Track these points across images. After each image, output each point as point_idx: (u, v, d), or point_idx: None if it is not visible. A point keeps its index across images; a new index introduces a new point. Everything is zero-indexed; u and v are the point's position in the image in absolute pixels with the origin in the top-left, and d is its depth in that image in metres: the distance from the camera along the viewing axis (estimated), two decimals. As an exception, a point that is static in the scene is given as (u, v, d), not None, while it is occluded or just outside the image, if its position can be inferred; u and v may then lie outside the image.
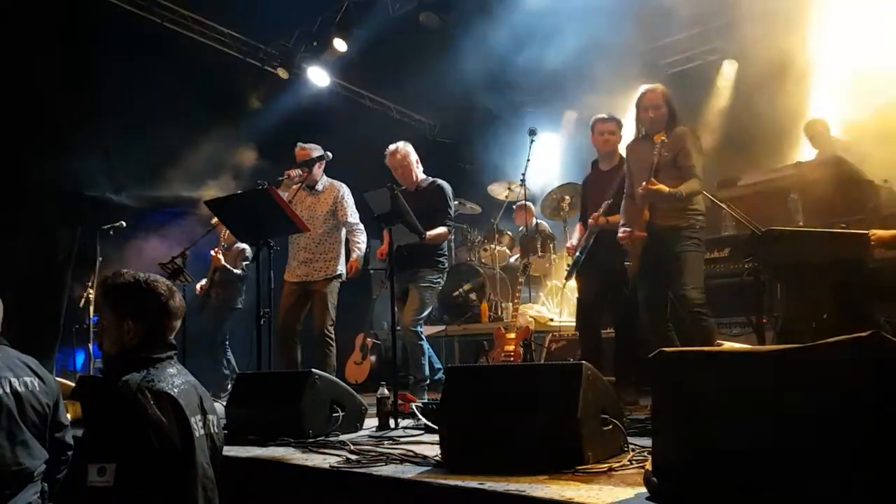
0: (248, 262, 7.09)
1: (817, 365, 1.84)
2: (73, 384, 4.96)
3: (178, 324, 2.54)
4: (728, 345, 2.56)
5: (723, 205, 3.94)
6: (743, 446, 1.96)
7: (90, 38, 6.93)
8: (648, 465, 2.27)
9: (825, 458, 1.82)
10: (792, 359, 1.90)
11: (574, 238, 5.39)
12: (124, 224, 6.79)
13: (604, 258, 4.90)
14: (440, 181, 5.60)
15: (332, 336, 5.48)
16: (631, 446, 2.90)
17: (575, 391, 2.66)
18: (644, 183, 4.11)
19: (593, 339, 5.16)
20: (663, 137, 4.16)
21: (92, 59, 6.94)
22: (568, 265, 5.40)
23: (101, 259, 6.58)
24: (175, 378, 2.35)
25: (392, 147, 5.56)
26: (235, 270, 7.00)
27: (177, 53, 7.93)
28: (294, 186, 5.55)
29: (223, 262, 6.90)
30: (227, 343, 7.06)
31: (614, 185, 4.89)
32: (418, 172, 5.58)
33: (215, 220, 7.23)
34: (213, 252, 6.97)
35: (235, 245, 7.12)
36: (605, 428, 2.78)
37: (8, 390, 2.92)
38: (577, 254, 5.07)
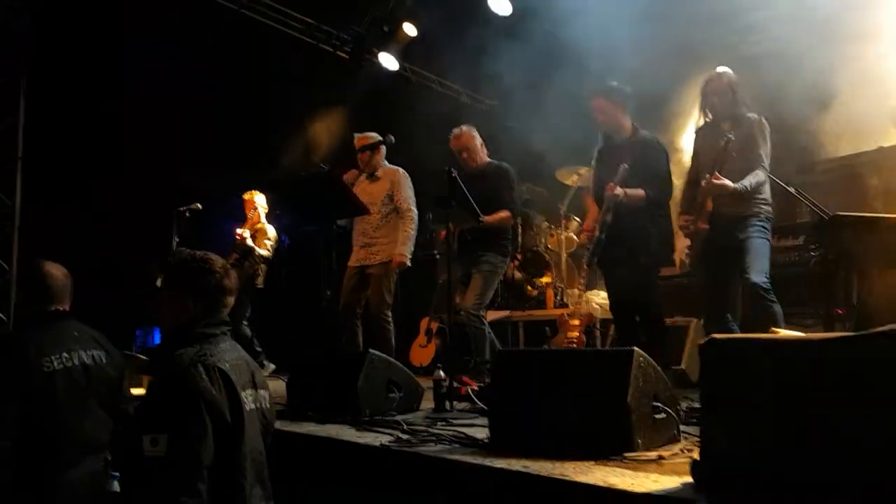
0: (271, 243, 7.22)
1: (873, 354, 1.76)
2: (146, 359, 5.19)
3: (232, 300, 2.61)
4: (783, 332, 2.46)
5: (791, 189, 3.80)
6: (794, 437, 1.89)
7: (166, 23, 7.13)
8: (696, 454, 2.22)
9: (883, 451, 1.74)
10: (847, 348, 1.82)
11: (588, 220, 5.10)
12: (200, 206, 6.98)
13: (625, 236, 4.58)
14: (504, 164, 5.57)
15: (389, 319, 5.53)
16: (685, 435, 2.83)
17: (625, 377, 2.61)
18: (708, 176, 3.99)
19: (629, 328, 4.95)
20: (730, 135, 4.01)
21: (166, 43, 7.13)
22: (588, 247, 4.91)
23: (177, 240, 6.79)
24: (227, 353, 2.42)
25: (456, 130, 5.57)
26: (261, 251, 7.13)
27: (252, 39, 8.10)
28: (360, 175, 5.62)
29: (248, 241, 7.05)
30: (247, 322, 7.21)
31: (627, 157, 4.59)
32: (483, 156, 5.56)
33: (247, 195, 7.41)
34: (238, 231, 7.15)
35: (260, 225, 7.25)
36: (657, 416, 2.72)
37: (77, 363, 3.06)
38: (598, 233, 4.70)
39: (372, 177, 5.67)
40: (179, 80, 7.29)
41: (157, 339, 8.06)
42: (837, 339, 1.97)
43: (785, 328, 3.49)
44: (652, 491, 2.08)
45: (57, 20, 6.86)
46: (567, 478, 2.26)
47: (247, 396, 2.40)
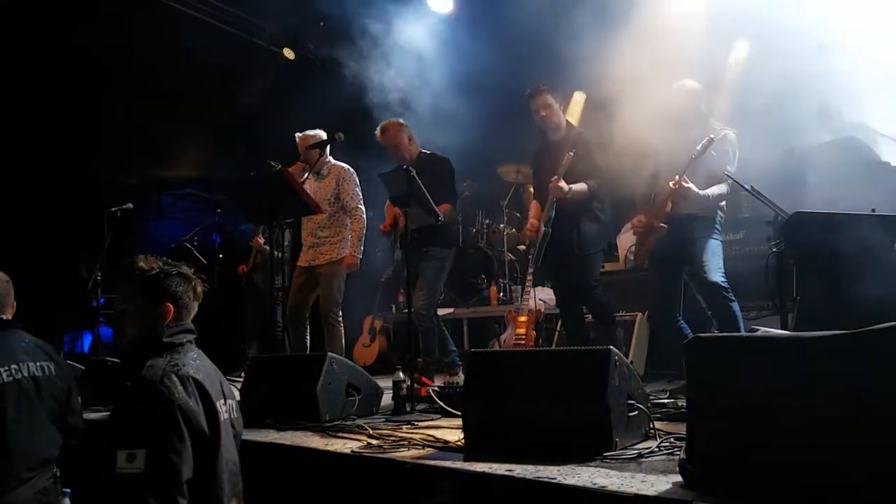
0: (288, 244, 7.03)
1: (866, 351, 1.80)
2: (82, 367, 4.93)
3: (196, 308, 2.51)
4: (763, 330, 2.52)
5: (746, 187, 3.89)
6: (785, 434, 1.92)
7: (89, 13, 6.82)
8: (682, 453, 2.23)
9: (869, 445, 1.78)
10: (839, 345, 1.86)
11: (531, 218, 5.12)
12: (131, 206, 6.72)
13: (569, 232, 4.73)
14: (438, 154, 5.42)
15: (339, 318, 5.46)
16: (657, 432, 2.86)
17: (602, 377, 2.62)
18: (677, 178, 4.04)
19: (577, 324, 5.08)
20: (712, 136, 4.06)
21: (93, 36, 6.83)
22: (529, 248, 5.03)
23: (108, 241, 6.52)
24: (197, 362, 2.33)
25: (383, 124, 5.34)
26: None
27: (182, 33, 7.81)
28: (306, 175, 5.48)
29: (263, 244, 6.91)
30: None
31: (566, 154, 4.65)
32: (412, 149, 5.34)
33: None
34: (256, 238, 7.05)
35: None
36: (632, 414, 2.74)
37: (27, 374, 2.89)
38: (544, 227, 4.77)
39: (318, 175, 5.54)
40: (105, 75, 7.01)
41: (87, 344, 7.75)
42: (820, 338, 2.01)
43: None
44: (644, 492, 2.08)
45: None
46: (555, 481, 2.24)
47: (220, 406, 2.31)
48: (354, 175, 5.58)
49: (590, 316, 5.19)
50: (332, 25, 8.46)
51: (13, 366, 2.84)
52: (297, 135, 5.60)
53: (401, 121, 5.41)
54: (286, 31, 8.75)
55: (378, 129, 5.37)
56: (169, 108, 7.56)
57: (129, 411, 2.17)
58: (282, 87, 8.67)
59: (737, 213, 5.58)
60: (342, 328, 5.45)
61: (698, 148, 4.04)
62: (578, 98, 8.99)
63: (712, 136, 4.06)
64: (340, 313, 5.46)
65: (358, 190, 5.54)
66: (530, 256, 5.80)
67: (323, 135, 5.42)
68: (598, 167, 4.75)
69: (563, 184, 4.60)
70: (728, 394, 2.08)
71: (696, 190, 4.10)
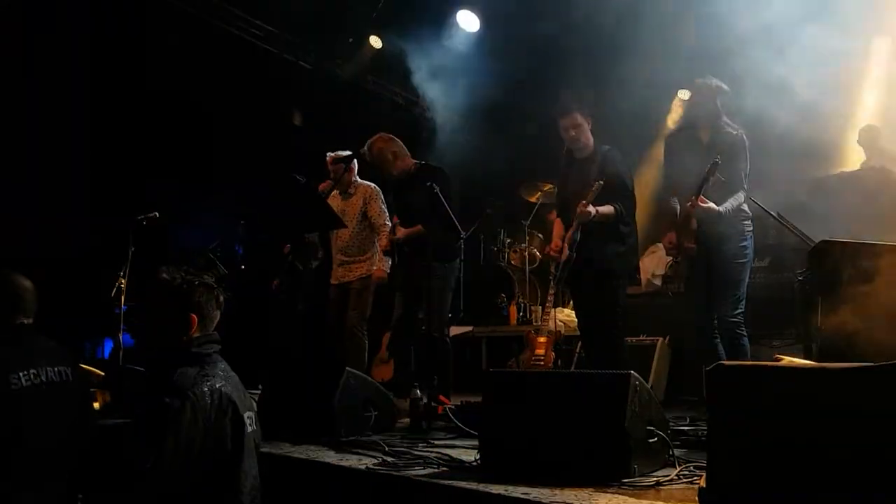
0: (317, 263, 7.02)
1: (893, 384, 1.77)
2: (101, 373, 4.96)
3: (218, 317, 2.53)
4: (788, 359, 2.48)
5: (773, 213, 3.85)
6: (807, 466, 1.89)
7: (124, 28, 6.93)
8: (701, 482, 2.19)
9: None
10: (865, 377, 1.82)
11: (555, 238, 4.99)
12: (157, 215, 6.77)
13: (595, 255, 4.60)
14: (434, 165, 5.28)
15: (364, 332, 5.55)
16: (677, 459, 2.81)
17: (622, 402, 2.59)
18: (693, 198, 3.98)
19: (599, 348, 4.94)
20: (717, 160, 3.99)
21: (124, 49, 6.93)
22: (554, 269, 4.91)
23: (133, 249, 6.57)
24: (225, 373, 2.36)
25: (368, 141, 5.22)
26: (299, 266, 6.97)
27: (213, 45, 7.91)
28: (334, 192, 5.52)
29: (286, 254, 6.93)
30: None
31: (594, 173, 4.58)
32: (399, 164, 5.21)
33: None
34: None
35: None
36: (651, 440, 2.70)
37: (45, 379, 2.89)
38: (569, 252, 4.67)
39: (345, 193, 5.60)
40: (134, 87, 7.10)
41: (108, 351, 7.79)
42: (845, 370, 1.97)
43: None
44: (662, 520, 2.05)
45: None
46: (572, 506, 2.21)
47: (247, 418, 2.33)
48: (380, 193, 5.65)
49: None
50: (361, 42, 8.57)
51: (32, 370, 2.85)
52: (329, 154, 5.64)
53: (387, 136, 5.28)
54: (315, 48, 8.84)
55: (365, 146, 5.24)
56: (198, 119, 7.63)
57: (154, 417, 2.18)
58: (312, 104, 8.75)
59: (763, 239, 5.51)
60: (366, 342, 5.53)
61: (707, 169, 3.97)
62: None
63: (717, 160, 3.97)
64: (365, 327, 5.52)
65: (384, 207, 5.61)
66: (552, 277, 5.78)
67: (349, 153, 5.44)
68: (626, 188, 4.69)
69: (590, 208, 4.51)
70: (751, 423, 2.04)
71: (716, 207, 4.04)
